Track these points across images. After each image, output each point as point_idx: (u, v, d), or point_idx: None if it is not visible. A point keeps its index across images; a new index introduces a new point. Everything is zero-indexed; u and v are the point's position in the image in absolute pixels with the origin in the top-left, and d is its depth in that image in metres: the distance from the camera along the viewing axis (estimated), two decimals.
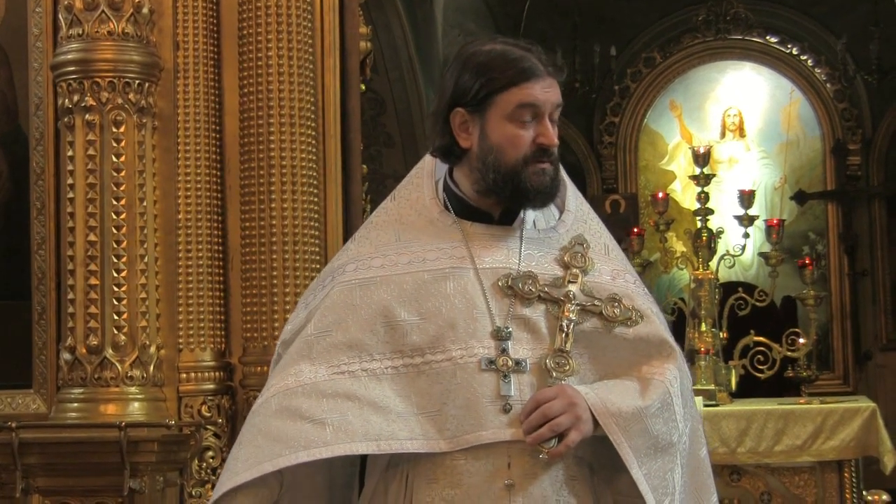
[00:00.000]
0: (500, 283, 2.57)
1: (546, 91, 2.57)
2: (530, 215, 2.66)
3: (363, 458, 2.67)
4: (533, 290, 2.57)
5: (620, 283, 2.65)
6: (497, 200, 2.62)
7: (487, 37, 2.83)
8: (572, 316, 2.56)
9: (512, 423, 2.48)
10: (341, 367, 2.54)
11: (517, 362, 2.52)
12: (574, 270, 2.61)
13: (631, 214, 11.34)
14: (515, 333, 2.54)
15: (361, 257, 2.65)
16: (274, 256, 4.69)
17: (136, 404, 4.57)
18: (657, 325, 2.64)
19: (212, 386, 4.74)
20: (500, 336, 2.53)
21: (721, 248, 8.13)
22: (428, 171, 2.71)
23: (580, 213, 2.73)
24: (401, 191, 2.73)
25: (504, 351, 2.52)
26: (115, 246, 4.57)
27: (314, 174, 4.79)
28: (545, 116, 2.57)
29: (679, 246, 10.16)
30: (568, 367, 2.53)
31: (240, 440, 2.58)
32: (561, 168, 2.72)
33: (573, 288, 2.59)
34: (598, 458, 2.59)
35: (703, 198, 8.03)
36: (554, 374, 2.52)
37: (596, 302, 2.59)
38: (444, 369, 2.51)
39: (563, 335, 2.55)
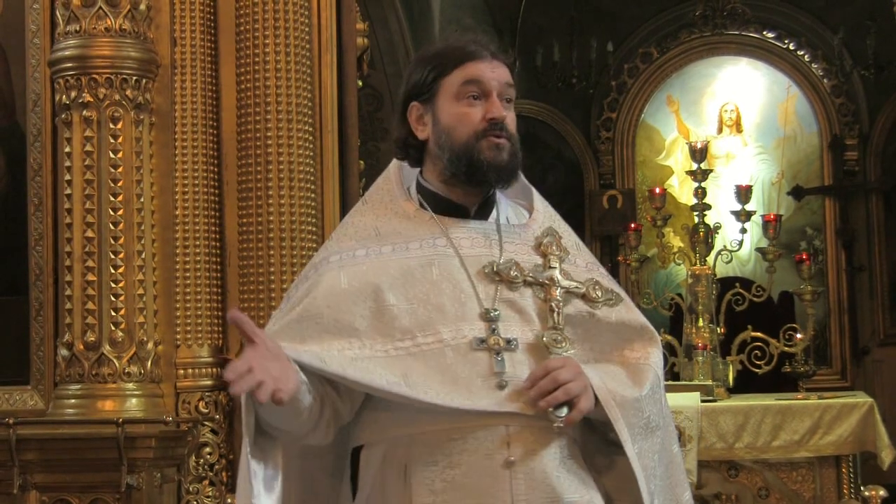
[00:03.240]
0: (485, 270, 2.61)
1: (492, 70, 2.64)
2: (503, 212, 2.73)
3: (354, 462, 2.67)
4: (518, 275, 2.62)
5: (595, 273, 2.74)
6: (463, 187, 2.66)
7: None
8: (559, 296, 2.62)
9: (509, 398, 2.50)
10: (332, 351, 2.55)
11: (507, 341, 2.55)
12: (552, 257, 2.67)
13: (628, 210, 11.33)
14: (504, 315, 2.58)
15: (344, 250, 2.67)
16: (271, 252, 4.69)
17: (134, 400, 4.57)
18: (636, 310, 2.72)
19: (209, 382, 4.74)
20: (488, 317, 2.56)
21: (718, 243, 8.12)
22: (396, 179, 2.75)
23: (548, 214, 2.80)
24: (371, 195, 2.77)
25: (494, 331, 2.55)
26: (112, 242, 4.57)
27: (311, 170, 4.79)
28: (493, 93, 2.64)
29: (676, 241, 10.16)
30: (565, 344, 2.57)
31: None
32: (520, 175, 2.76)
33: (555, 272, 2.65)
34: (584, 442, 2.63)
35: (701, 193, 8.02)
36: (551, 349, 2.55)
37: (577, 285, 2.66)
38: (435, 350, 2.53)
39: (556, 314, 2.59)
